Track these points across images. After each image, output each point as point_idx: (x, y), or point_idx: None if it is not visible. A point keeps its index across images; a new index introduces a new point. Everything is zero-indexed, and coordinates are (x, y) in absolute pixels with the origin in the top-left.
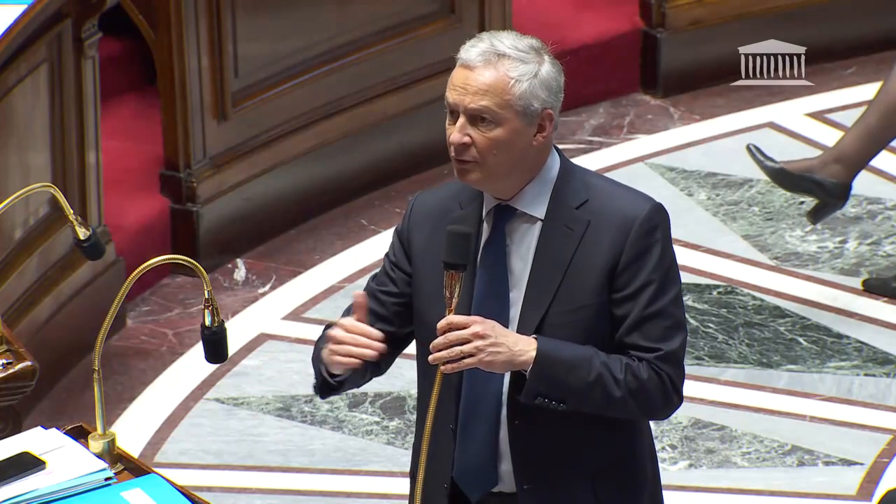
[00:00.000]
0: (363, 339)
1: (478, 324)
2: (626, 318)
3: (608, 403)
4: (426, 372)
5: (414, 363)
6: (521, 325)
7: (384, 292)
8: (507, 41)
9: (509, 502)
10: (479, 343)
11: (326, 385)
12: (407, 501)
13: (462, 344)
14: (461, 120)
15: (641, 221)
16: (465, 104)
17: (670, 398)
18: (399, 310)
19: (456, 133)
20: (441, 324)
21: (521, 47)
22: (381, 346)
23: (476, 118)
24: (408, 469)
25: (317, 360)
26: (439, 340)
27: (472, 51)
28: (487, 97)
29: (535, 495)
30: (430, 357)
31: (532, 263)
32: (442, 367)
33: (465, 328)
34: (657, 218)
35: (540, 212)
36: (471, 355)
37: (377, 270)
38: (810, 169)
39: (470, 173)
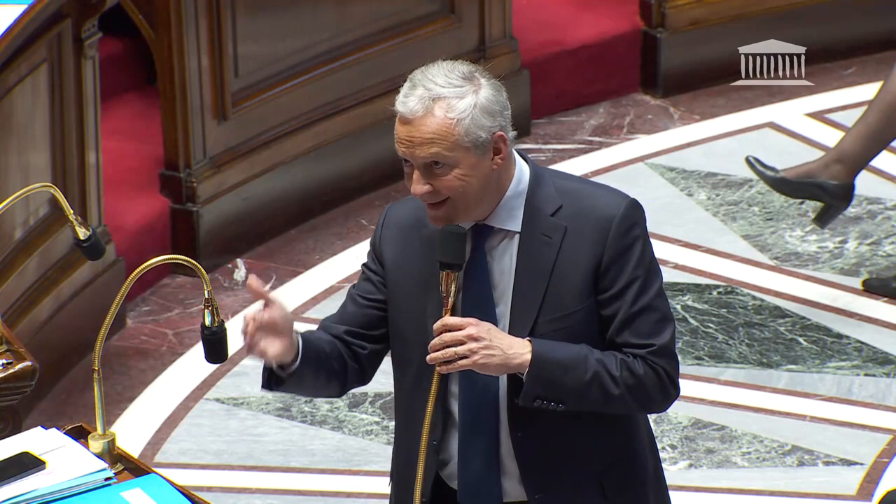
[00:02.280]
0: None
1: (472, 325)
2: (615, 317)
3: (606, 401)
4: (402, 384)
5: None
6: None
7: (360, 296)
8: (439, 79)
9: None
10: (473, 345)
11: (273, 377)
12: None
13: (457, 345)
14: (416, 173)
15: (619, 220)
16: (416, 156)
17: (667, 391)
18: (371, 312)
19: (416, 185)
20: (436, 325)
21: (455, 81)
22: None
23: (430, 165)
24: None
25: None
26: (435, 341)
27: (407, 102)
28: (435, 145)
29: (547, 501)
30: (428, 357)
31: (515, 276)
32: (438, 368)
33: (459, 329)
34: (634, 214)
35: (516, 225)
36: (465, 357)
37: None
38: (810, 173)
39: (443, 220)
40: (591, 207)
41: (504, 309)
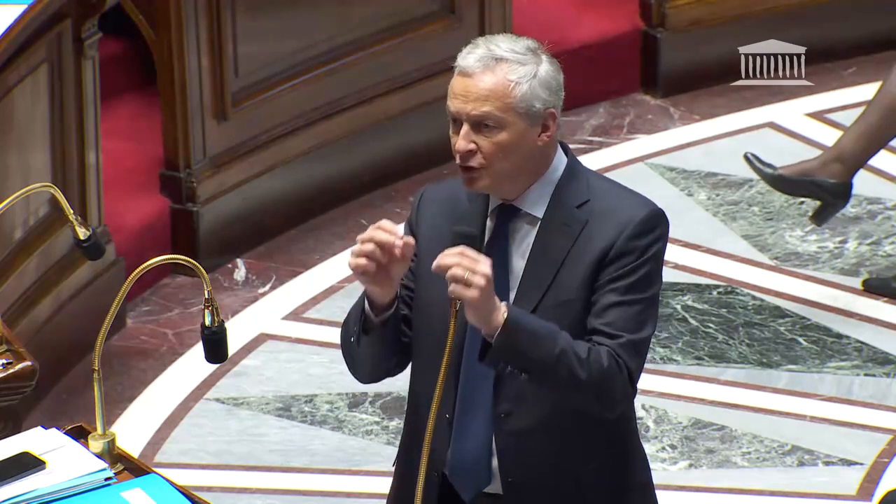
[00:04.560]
0: (384, 234)
1: (486, 265)
2: (597, 303)
3: (571, 382)
4: (421, 362)
5: None
6: None
7: (404, 286)
8: (503, 45)
9: (499, 502)
10: (482, 283)
11: (363, 321)
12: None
13: (471, 271)
14: (465, 128)
15: (636, 223)
16: (468, 112)
17: (627, 390)
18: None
19: (461, 141)
20: (455, 250)
21: (518, 49)
22: (405, 240)
23: (480, 124)
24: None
25: (354, 309)
26: (451, 259)
27: (469, 57)
28: (489, 103)
29: (520, 490)
30: (434, 264)
31: (527, 260)
32: (451, 288)
33: (476, 262)
34: (653, 222)
35: (541, 211)
36: (469, 285)
37: None
38: (809, 171)
39: (478, 181)
40: (615, 207)
41: (514, 294)
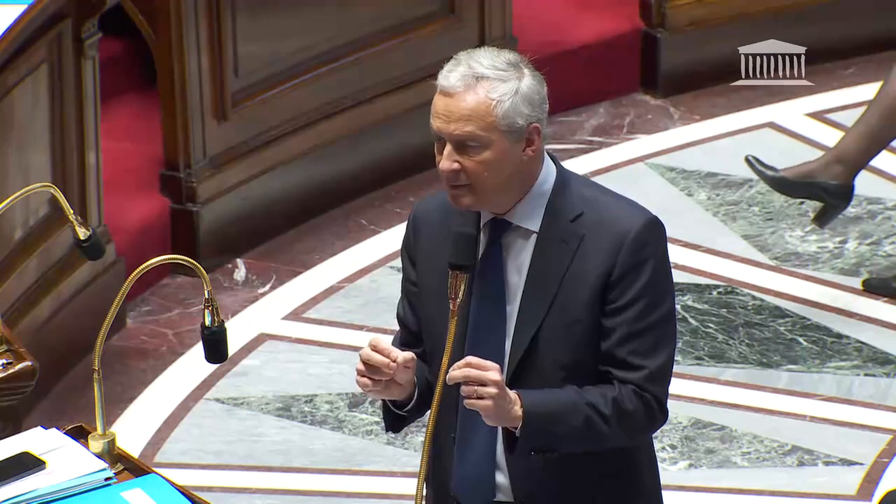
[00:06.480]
0: (379, 356)
1: (495, 371)
2: (615, 331)
3: (599, 440)
4: (431, 379)
5: None
6: (515, 339)
7: (412, 313)
8: (484, 61)
9: None
10: (493, 392)
11: (392, 416)
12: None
13: (481, 384)
14: (448, 148)
15: (634, 236)
16: (450, 132)
17: (655, 419)
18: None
19: (445, 161)
20: (461, 362)
21: (499, 65)
22: (396, 362)
23: (463, 144)
24: (408, 469)
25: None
26: (458, 373)
27: (450, 76)
28: (471, 122)
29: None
30: (449, 376)
31: (526, 277)
32: (466, 402)
33: (485, 371)
34: (650, 232)
35: (535, 225)
36: (481, 398)
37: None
38: (810, 173)
39: (463, 198)
40: (610, 219)
41: (512, 309)
